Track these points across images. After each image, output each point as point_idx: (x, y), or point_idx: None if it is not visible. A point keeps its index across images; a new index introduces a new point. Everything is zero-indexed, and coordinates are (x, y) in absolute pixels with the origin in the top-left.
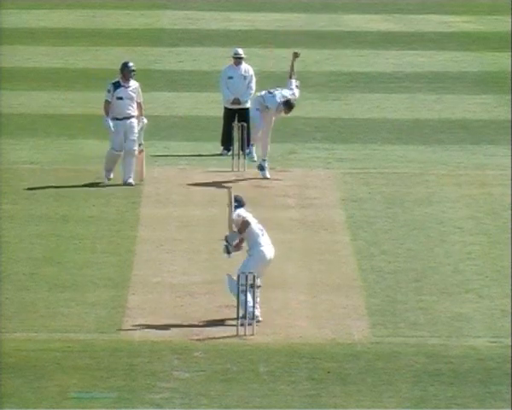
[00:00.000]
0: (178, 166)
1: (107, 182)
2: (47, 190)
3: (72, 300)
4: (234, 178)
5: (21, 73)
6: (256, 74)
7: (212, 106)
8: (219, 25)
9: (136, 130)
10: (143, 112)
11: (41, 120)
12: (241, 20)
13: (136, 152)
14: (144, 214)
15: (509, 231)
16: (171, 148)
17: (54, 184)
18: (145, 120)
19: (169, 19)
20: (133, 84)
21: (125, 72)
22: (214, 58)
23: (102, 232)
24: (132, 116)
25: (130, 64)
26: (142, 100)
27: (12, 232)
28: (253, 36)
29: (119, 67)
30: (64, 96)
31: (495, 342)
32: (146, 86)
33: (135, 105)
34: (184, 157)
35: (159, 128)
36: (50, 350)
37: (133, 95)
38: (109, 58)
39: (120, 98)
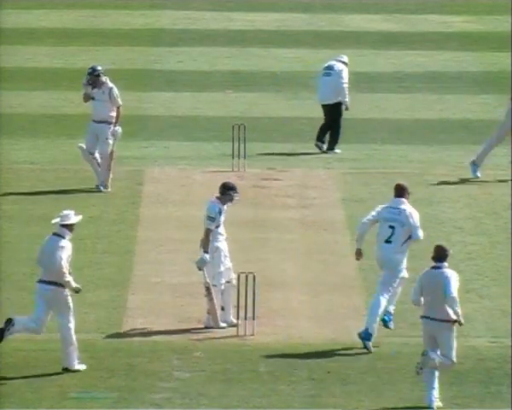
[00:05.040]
0: (178, 167)
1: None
2: (47, 190)
3: (72, 300)
4: (234, 178)
5: (21, 73)
6: (256, 74)
7: (212, 106)
8: (219, 25)
9: (107, 135)
10: (119, 119)
11: (41, 119)
12: (241, 20)
13: (107, 155)
14: (144, 214)
15: (509, 231)
16: (171, 148)
17: (54, 184)
18: (119, 130)
19: (169, 19)
20: (105, 87)
21: (89, 77)
22: (214, 58)
23: (102, 232)
24: (104, 121)
25: (92, 69)
26: (120, 104)
27: (12, 232)
28: (253, 36)
29: (118, 66)
30: (64, 96)
31: (495, 342)
32: (146, 86)
33: (109, 109)
34: (184, 157)
35: (159, 128)
36: (50, 350)
37: (105, 98)
38: (109, 58)
39: (93, 98)
